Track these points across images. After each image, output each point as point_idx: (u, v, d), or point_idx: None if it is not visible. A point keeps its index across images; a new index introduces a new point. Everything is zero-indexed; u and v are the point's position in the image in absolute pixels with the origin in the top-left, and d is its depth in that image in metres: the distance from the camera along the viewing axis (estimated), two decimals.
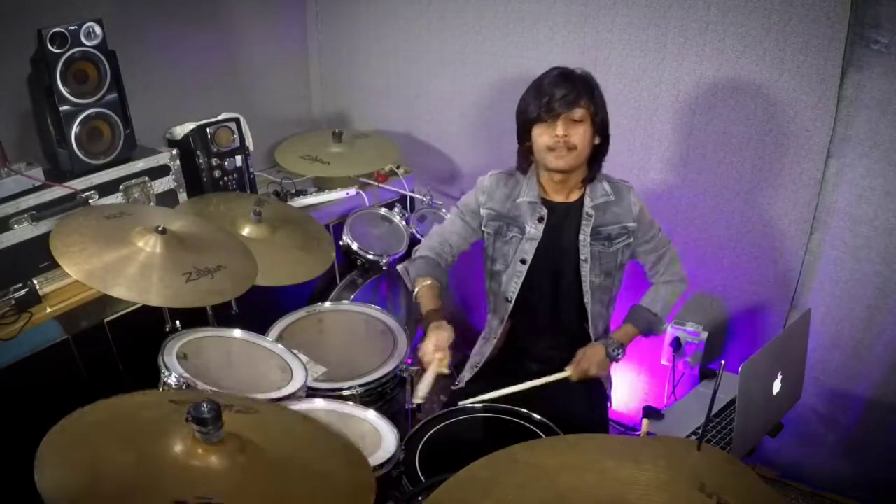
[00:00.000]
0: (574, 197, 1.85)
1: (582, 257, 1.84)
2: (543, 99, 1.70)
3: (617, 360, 1.90)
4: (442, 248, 1.95)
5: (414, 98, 2.89)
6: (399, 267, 1.99)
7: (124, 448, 1.07)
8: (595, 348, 1.85)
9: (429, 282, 1.86)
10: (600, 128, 1.76)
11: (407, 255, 2.63)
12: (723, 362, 1.30)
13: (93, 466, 1.02)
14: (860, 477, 2.31)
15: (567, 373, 1.79)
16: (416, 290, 1.87)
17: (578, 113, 1.69)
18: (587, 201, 1.82)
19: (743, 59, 2.06)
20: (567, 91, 1.68)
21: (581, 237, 1.83)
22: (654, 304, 1.95)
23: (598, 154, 1.81)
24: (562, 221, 1.84)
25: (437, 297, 1.85)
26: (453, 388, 2.05)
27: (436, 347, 1.69)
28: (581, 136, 1.71)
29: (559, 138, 1.70)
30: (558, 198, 1.85)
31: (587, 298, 1.88)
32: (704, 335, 2.39)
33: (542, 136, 1.73)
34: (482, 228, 1.91)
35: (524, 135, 1.79)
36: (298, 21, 2.98)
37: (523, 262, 1.86)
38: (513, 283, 1.89)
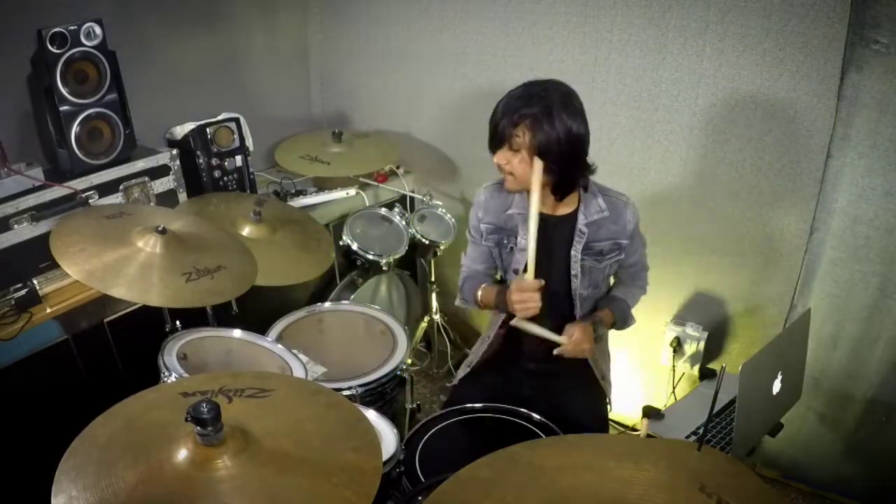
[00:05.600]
0: (565, 211, 1.82)
1: (573, 272, 1.83)
2: (490, 128, 1.71)
3: (601, 341, 1.90)
4: (477, 274, 1.98)
5: (414, 98, 2.89)
6: (457, 302, 2.03)
7: (133, 463, 1.08)
8: (587, 327, 1.81)
9: (483, 286, 1.92)
10: (547, 155, 1.65)
11: (407, 255, 2.65)
12: (723, 366, 1.30)
13: (103, 491, 1.03)
14: (860, 477, 2.31)
15: (563, 340, 1.76)
16: (480, 301, 1.92)
17: (515, 143, 1.67)
18: (580, 218, 1.80)
19: (743, 59, 2.06)
20: (506, 124, 1.65)
21: (573, 253, 1.81)
22: (630, 300, 1.98)
23: (567, 175, 1.73)
24: (553, 234, 1.82)
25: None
26: (449, 385, 2.06)
27: (529, 287, 1.70)
28: (517, 164, 1.69)
29: (500, 168, 1.74)
30: (546, 210, 1.82)
31: (577, 311, 1.88)
32: (704, 335, 2.39)
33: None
34: (483, 243, 1.91)
35: None
36: (298, 21, 2.98)
37: (516, 272, 1.86)
38: None
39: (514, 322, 1.78)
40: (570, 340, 1.76)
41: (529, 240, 1.68)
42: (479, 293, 1.91)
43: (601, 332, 1.86)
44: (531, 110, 1.63)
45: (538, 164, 1.64)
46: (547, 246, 1.82)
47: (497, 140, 1.70)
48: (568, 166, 1.70)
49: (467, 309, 2.02)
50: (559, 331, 1.80)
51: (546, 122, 1.63)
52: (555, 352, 1.76)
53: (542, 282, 1.70)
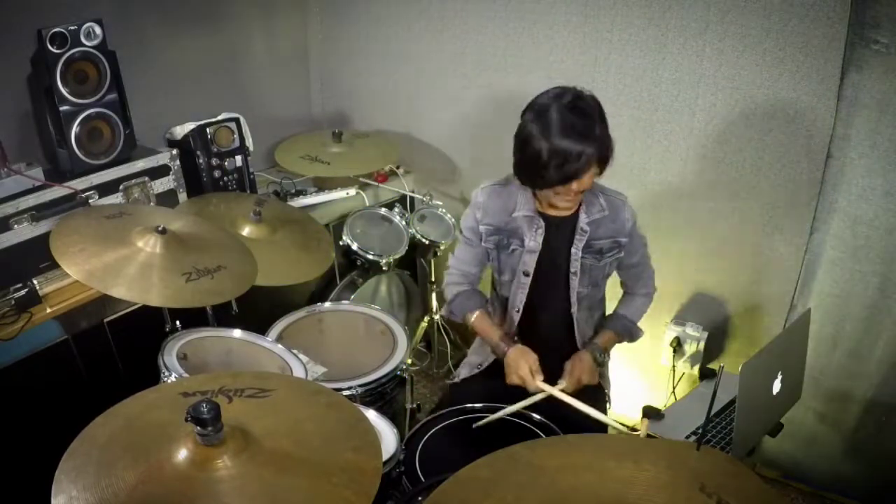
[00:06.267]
0: (568, 211, 1.83)
1: (572, 270, 1.84)
2: (558, 169, 1.60)
3: (603, 366, 1.94)
4: (466, 279, 1.99)
5: (414, 98, 2.89)
6: (443, 312, 2.04)
7: (133, 463, 1.08)
8: (583, 357, 1.84)
9: (477, 312, 1.92)
10: (605, 161, 1.66)
11: (407, 255, 2.65)
12: (721, 365, 1.30)
13: (103, 491, 1.03)
14: (860, 477, 2.31)
15: (562, 385, 1.77)
16: (470, 324, 1.93)
17: (592, 164, 1.63)
18: (582, 217, 1.80)
19: (743, 59, 2.06)
20: (588, 150, 1.58)
21: (573, 251, 1.82)
22: (634, 314, 1.99)
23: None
24: (556, 234, 1.83)
25: (493, 324, 1.92)
26: (449, 381, 2.07)
27: (533, 372, 1.75)
28: (589, 180, 1.66)
29: (572, 194, 1.69)
30: (552, 210, 1.83)
31: (574, 308, 1.89)
32: (704, 335, 2.39)
33: (552, 192, 1.70)
34: (482, 244, 1.91)
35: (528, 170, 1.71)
36: (298, 21, 2.98)
37: (526, 273, 1.85)
38: (519, 295, 1.89)
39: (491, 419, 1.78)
40: (569, 380, 1.79)
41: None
42: (472, 319, 1.92)
43: (602, 360, 1.89)
44: (597, 128, 1.60)
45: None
46: (549, 245, 1.83)
47: (578, 170, 1.61)
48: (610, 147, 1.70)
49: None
50: (558, 331, 1.83)
51: (606, 135, 1.63)
52: (558, 393, 1.77)
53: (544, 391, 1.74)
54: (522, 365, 1.77)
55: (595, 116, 1.62)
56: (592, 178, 1.67)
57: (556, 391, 1.75)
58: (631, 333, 1.97)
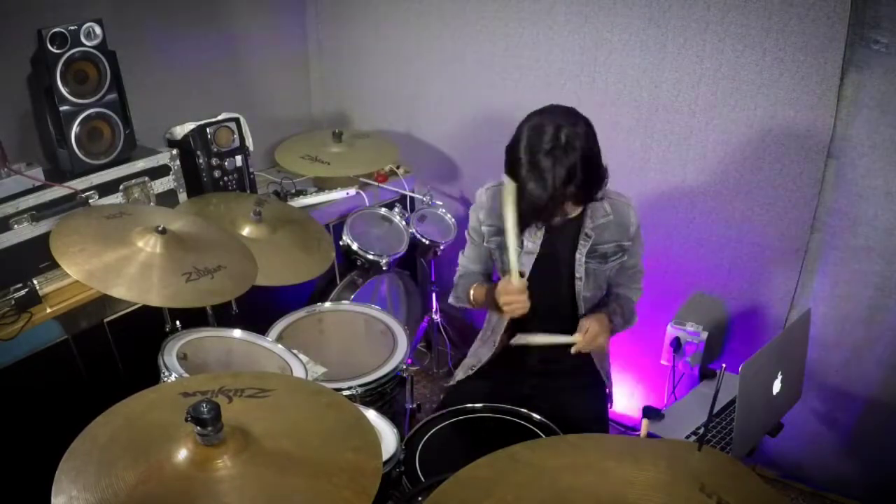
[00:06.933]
0: (572, 214, 1.80)
1: (577, 275, 1.83)
2: (536, 209, 1.62)
3: (616, 332, 1.90)
4: (472, 274, 1.99)
5: (414, 98, 2.89)
6: (450, 300, 2.05)
7: (133, 463, 1.08)
8: (600, 318, 1.80)
9: (475, 284, 1.93)
10: (587, 181, 1.63)
11: (407, 255, 2.65)
12: (723, 366, 1.31)
13: (103, 491, 1.03)
14: (860, 477, 2.31)
15: (577, 338, 1.75)
16: (472, 299, 1.94)
17: (570, 193, 1.62)
18: (587, 222, 1.79)
19: (743, 59, 2.06)
20: (560, 186, 1.57)
21: (578, 256, 1.81)
22: (633, 298, 1.99)
23: (593, 188, 1.71)
24: (559, 237, 1.82)
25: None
26: (446, 385, 2.07)
27: (516, 289, 1.70)
28: (571, 205, 1.67)
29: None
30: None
31: (581, 312, 1.88)
32: (704, 335, 2.39)
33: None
34: (485, 244, 1.91)
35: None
36: (298, 21, 2.98)
37: (522, 275, 1.85)
38: None
39: (515, 340, 1.78)
40: (584, 336, 1.75)
41: (510, 245, 1.67)
42: (472, 292, 1.92)
43: (617, 323, 1.86)
44: (570, 160, 1.56)
45: (510, 185, 1.60)
46: (551, 248, 1.82)
47: (555, 206, 1.61)
48: (593, 180, 1.67)
49: (463, 307, 2.02)
50: (570, 331, 1.80)
51: (578, 158, 1.59)
52: (572, 350, 1.75)
53: (526, 282, 1.71)
54: (500, 291, 1.73)
55: (569, 154, 1.56)
56: (573, 202, 1.67)
57: (560, 338, 1.74)
58: (632, 314, 1.96)
